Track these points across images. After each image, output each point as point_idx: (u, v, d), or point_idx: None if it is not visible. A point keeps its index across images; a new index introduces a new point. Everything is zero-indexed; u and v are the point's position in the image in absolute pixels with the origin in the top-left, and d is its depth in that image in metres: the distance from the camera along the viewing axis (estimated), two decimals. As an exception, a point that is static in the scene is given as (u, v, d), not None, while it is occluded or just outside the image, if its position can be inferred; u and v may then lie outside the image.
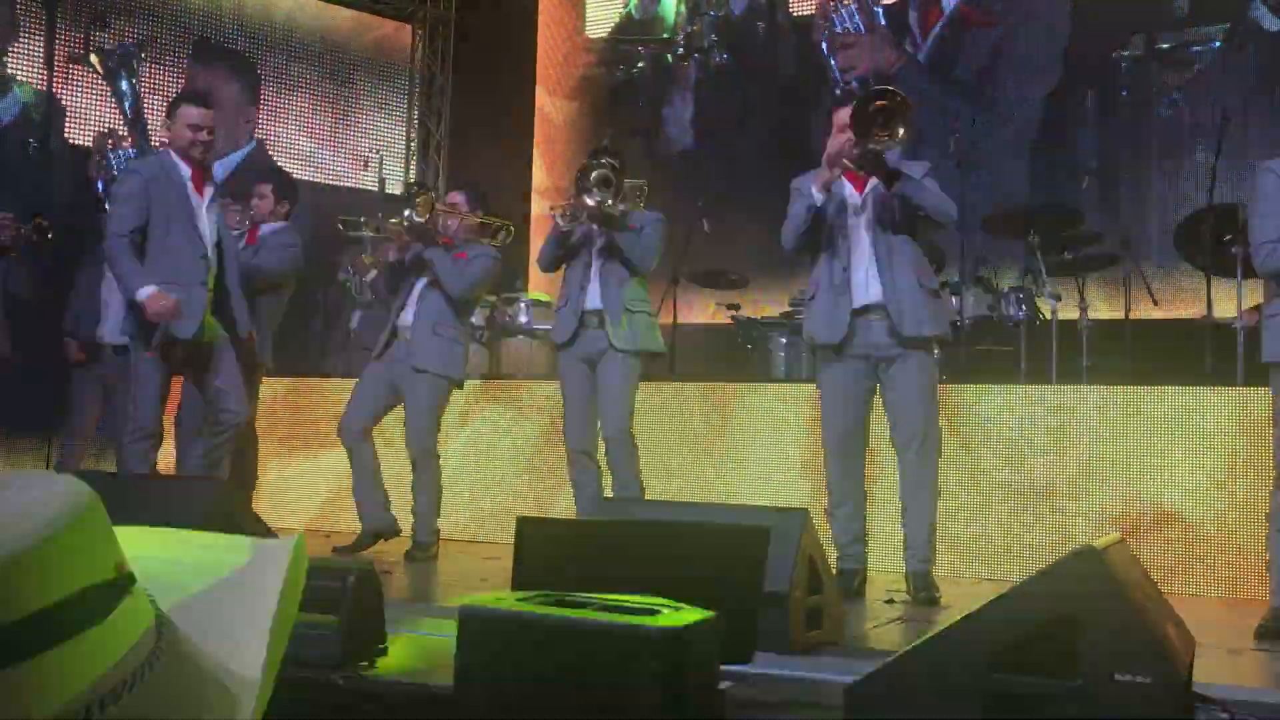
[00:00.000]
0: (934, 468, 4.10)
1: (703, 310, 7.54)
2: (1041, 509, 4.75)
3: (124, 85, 7.78)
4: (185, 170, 4.52)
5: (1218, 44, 7.14)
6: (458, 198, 5.23)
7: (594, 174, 4.51)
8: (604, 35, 8.97)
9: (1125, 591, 2.19)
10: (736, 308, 6.84)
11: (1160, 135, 7.29)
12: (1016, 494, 4.79)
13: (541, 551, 2.92)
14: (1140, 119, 7.34)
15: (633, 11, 8.81)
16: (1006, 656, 2.24)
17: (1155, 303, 6.39)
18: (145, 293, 4.38)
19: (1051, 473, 4.76)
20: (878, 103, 3.86)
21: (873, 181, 4.06)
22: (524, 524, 2.96)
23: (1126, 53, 7.32)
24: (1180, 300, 6.75)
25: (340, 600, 2.67)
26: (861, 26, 8.25)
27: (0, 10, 7.19)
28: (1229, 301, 5.36)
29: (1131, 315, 6.44)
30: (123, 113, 7.71)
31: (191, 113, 4.53)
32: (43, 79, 7.12)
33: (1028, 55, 7.72)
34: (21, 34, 7.27)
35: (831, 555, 4.09)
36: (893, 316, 4.03)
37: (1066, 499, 4.72)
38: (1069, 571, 2.25)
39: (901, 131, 3.83)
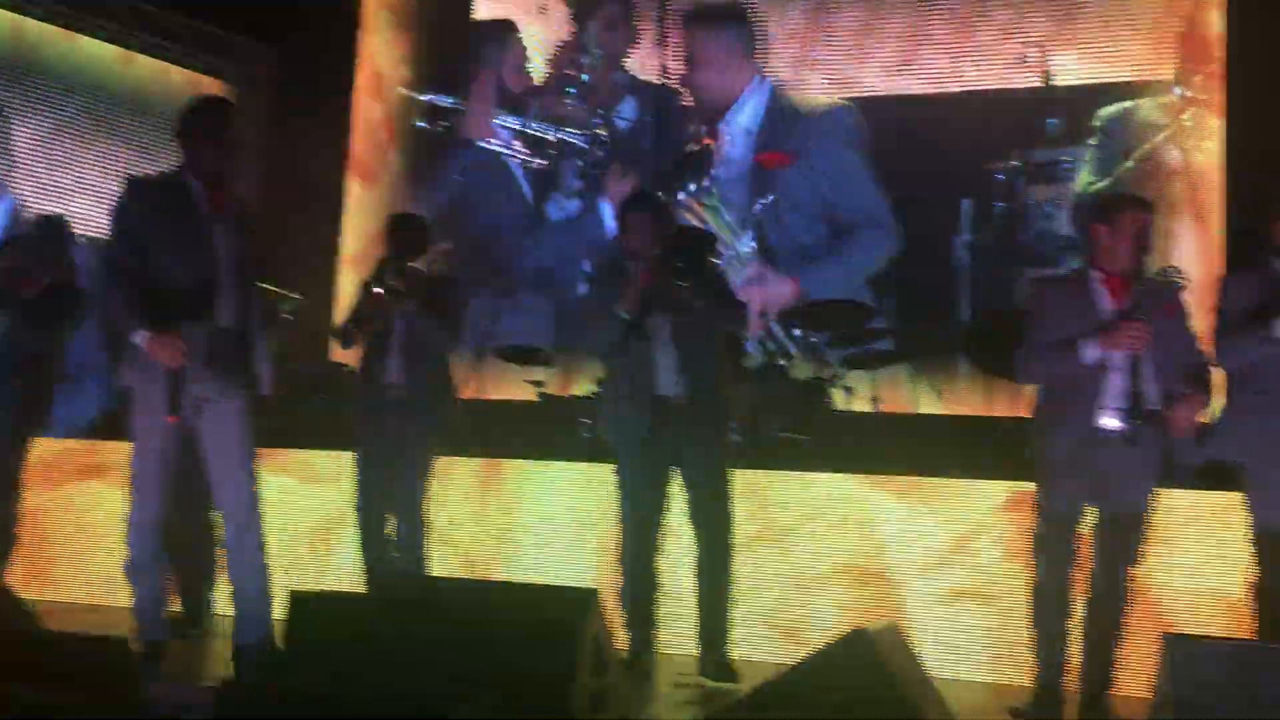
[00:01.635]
0: (727, 549, 4.18)
1: (509, 386, 7.49)
2: (832, 593, 4.86)
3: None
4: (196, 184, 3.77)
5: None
6: None
7: (391, 265, 4.48)
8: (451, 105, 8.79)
9: (892, 677, 2.25)
10: (541, 384, 6.82)
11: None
12: (811, 578, 4.89)
13: (317, 631, 2.80)
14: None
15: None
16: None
17: (939, 397, 6.71)
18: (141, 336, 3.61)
19: (845, 558, 4.88)
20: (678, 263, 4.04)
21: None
22: (300, 600, 2.84)
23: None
24: (965, 397, 7.09)
25: (90, 676, 2.49)
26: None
27: None
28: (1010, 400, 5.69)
29: (921, 410, 6.75)
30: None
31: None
32: None
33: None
34: None
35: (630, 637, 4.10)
36: (689, 408, 4.13)
37: (857, 585, 4.85)
38: (840, 656, 2.29)
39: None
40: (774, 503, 4.98)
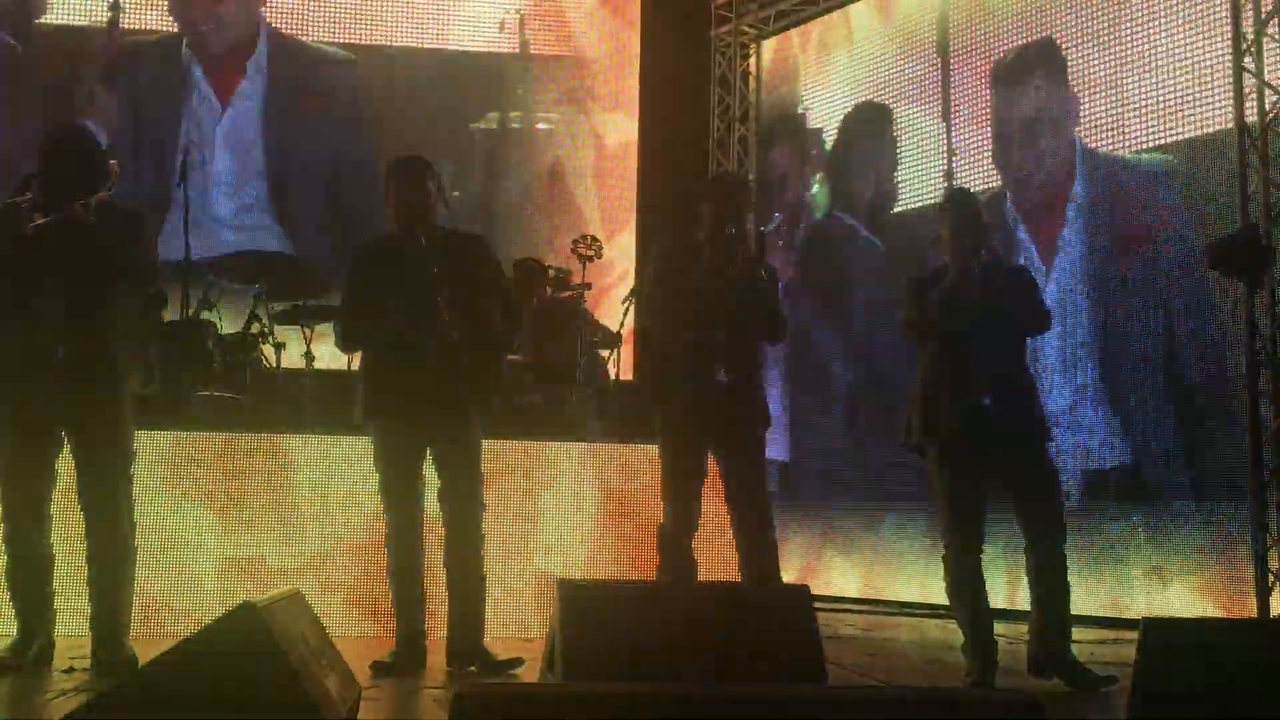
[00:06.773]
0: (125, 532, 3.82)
1: None
2: (246, 555, 4.72)
3: None
4: None
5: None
6: None
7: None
8: None
9: (282, 648, 2.21)
10: None
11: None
12: (221, 543, 4.71)
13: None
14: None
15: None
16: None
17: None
18: None
19: (264, 520, 4.76)
20: None
21: None
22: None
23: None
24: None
25: None
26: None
27: None
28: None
29: (354, 366, 6.70)
30: None
31: None
32: None
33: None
34: None
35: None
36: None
37: (275, 545, 4.74)
38: (228, 629, 2.22)
39: None
40: (200, 467, 4.75)
